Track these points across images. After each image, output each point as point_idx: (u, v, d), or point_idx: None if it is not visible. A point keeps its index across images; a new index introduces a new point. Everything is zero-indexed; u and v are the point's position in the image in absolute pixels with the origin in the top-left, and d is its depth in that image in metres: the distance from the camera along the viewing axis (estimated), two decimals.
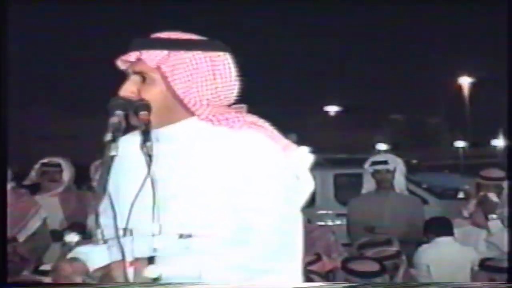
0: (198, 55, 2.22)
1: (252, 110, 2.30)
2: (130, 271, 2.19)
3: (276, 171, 2.20)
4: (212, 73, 2.23)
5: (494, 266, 4.60)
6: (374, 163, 6.32)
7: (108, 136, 2.14)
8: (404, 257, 4.81)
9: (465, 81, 38.28)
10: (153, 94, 2.21)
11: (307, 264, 4.42)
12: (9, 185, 5.40)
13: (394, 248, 4.95)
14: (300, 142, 2.43)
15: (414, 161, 26.96)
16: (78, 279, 2.21)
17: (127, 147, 2.23)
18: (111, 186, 2.20)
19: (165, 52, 2.21)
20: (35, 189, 6.19)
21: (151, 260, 2.17)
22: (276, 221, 2.16)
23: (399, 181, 6.30)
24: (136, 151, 2.21)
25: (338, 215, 9.30)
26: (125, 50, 2.25)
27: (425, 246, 5.35)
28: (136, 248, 2.18)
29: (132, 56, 2.24)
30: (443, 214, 6.64)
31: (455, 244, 5.29)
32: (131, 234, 2.19)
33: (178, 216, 2.17)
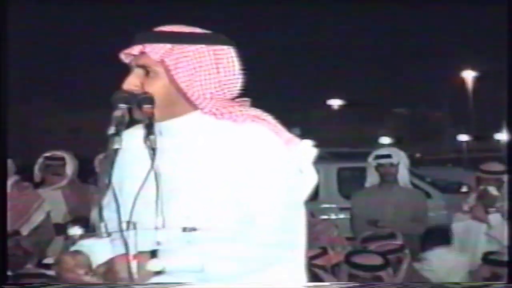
0: (202, 48, 2.22)
1: (255, 104, 2.30)
2: (133, 265, 2.19)
3: (279, 165, 2.19)
4: (216, 66, 2.22)
5: (496, 260, 4.60)
6: (378, 157, 6.32)
7: (112, 130, 2.14)
8: (407, 251, 4.81)
9: (469, 75, 38.21)
10: (157, 87, 2.21)
11: (312, 258, 4.42)
12: (13, 179, 5.41)
13: (397, 242, 4.95)
14: (303, 135, 2.43)
15: (418, 155, 26.96)
16: (81, 272, 2.21)
17: (131, 141, 2.22)
18: (115, 180, 2.19)
19: (168, 46, 2.20)
20: (38, 182, 6.20)
21: (154, 253, 2.16)
22: (279, 214, 2.16)
23: (403, 175, 6.30)
24: (140, 144, 2.21)
25: (342, 209, 9.28)
26: (128, 44, 2.25)
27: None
28: (139, 241, 2.18)
29: (136, 49, 2.24)
30: (446, 208, 6.63)
31: None
32: (135, 227, 2.19)
33: (181, 209, 2.17)
